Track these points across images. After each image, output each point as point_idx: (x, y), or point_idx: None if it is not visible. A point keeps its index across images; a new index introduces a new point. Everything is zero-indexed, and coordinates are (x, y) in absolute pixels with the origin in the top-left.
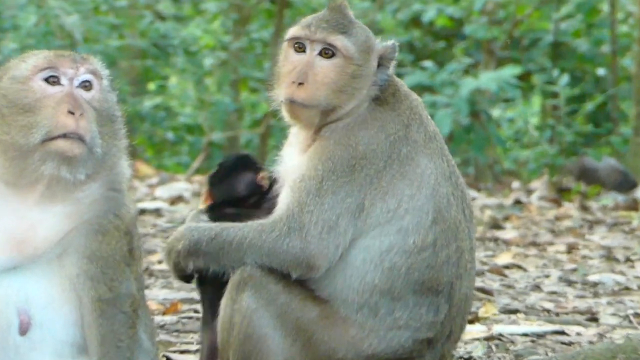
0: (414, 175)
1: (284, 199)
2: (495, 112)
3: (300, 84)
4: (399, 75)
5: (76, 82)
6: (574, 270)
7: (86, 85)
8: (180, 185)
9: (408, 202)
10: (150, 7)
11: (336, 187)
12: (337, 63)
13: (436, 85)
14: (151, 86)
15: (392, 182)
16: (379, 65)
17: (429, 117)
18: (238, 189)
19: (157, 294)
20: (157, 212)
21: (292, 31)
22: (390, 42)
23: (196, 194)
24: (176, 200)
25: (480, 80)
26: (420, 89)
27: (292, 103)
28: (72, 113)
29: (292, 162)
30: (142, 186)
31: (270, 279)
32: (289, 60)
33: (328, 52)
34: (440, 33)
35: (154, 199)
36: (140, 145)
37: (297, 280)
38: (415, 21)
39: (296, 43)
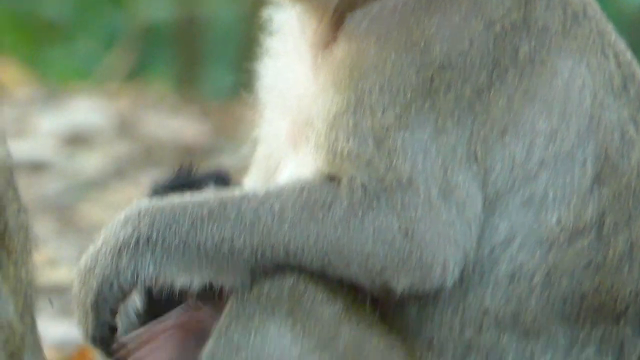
0: (551, 93)
1: (322, 140)
2: None
3: None
4: None
5: None
6: None
7: None
8: (84, 106)
9: (544, 144)
10: None
11: (411, 119)
12: None
13: None
14: None
15: (510, 109)
16: None
17: None
18: None
19: (48, 329)
20: (36, 165)
21: None
22: None
23: (122, 129)
24: (76, 139)
25: None
26: None
27: None
28: None
29: (297, 83)
30: (7, 108)
31: (326, 300)
32: None
33: None
34: None
35: (31, 135)
36: None
37: (373, 304)
38: None
39: None
